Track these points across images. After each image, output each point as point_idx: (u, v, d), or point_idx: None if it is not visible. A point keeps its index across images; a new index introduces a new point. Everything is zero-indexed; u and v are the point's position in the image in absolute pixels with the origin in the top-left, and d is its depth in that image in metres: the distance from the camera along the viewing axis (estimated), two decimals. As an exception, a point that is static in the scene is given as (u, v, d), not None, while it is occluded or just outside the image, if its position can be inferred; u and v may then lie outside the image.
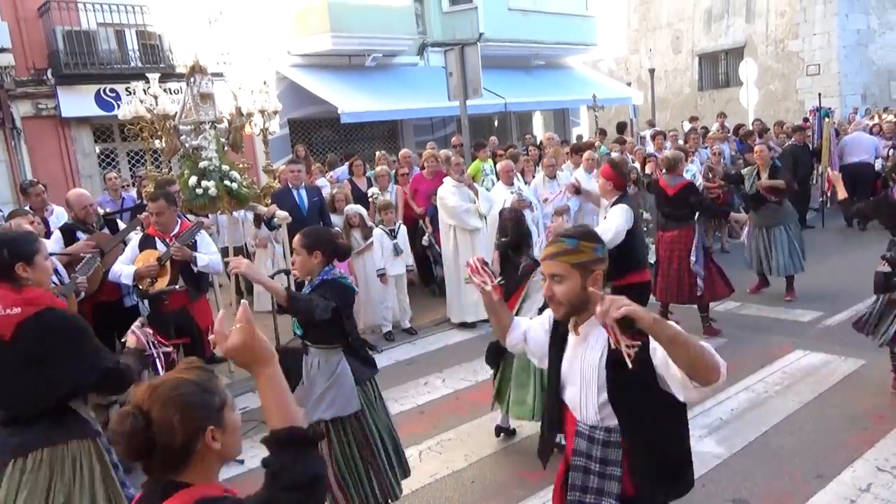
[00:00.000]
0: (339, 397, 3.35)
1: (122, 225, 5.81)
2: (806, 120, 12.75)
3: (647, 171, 9.12)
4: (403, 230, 7.39)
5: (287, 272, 6.14)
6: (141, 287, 4.81)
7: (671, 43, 22.03)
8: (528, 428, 4.57)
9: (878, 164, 10.92)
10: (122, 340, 2.82)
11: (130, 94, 6.53)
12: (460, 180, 7.24)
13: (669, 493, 2.18)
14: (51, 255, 4.82)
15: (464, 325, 7.30)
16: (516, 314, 3.67)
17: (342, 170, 9.59)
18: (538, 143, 11.57)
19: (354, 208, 7.20)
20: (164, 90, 6.48)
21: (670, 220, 6.44)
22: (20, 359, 2.61)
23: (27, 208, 6.28)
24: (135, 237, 5.09)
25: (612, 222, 4.92)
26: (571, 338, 2.19)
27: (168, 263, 4.77)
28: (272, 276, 5.78)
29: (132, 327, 2.76)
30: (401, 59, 15.14)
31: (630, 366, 1.74)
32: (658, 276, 6.44)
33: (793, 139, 11.27)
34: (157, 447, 1.41)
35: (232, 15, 7.04)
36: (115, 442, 1.43)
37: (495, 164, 9.14)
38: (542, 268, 2.14)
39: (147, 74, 6.46)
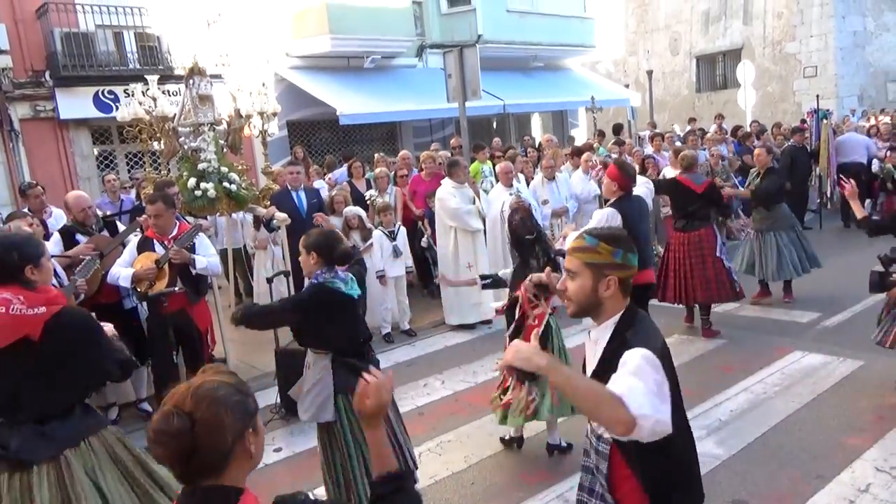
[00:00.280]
0: (315, 403, 3.38)
1: (121, 227, 5.80)
2: (803, 121, 12.78)
3: (648, 172, 9.14)
4: (403, 232, 7.40)
5: (287, 273, 6.16)
6: (139, 289, 4.81)
7: (669, 45, 22.07)
8: (528, 430, 4.57)
9: (874, 165, 10.94)
10: None
11: (129, 95, 6.53)
12: (463, 182, 7.24)
13: None
14: (51, 257, 4.83)
15: (463, 327, 7.30)
16: None
17: (341, 171, 9.60)
18: (537, 144, 11.59)
19: (353, 210, 7.20)
20: (163, 92, 6.48)
21: (695, 219, 6.34)
22: (49, 357, 2.68)
23: (26, 210, 6.27)
24: (133, 239, 5.09)
25: (593, 224, 4.97)
26: (587, 342, 2.19)
27: (166, 266, 4.77)
28: (271, 278, 5.80)
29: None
30: (399, 60, 15.15)
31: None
32: (672, 279, 6.37)
33: (791, 140, 11.30)
34: (199, 449, 1.39)
35: (230, 17, 7.04)
36: (158, 443, 1.40)
37: (494, 165, 9.16)
38: (565, 261, 2.15)
39: (146, 76, 6.46)
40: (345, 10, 13.15)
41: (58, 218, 6.30)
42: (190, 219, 5.79)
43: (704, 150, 10.48)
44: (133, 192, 9.03)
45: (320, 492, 3.57)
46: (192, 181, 5.77)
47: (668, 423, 1.80)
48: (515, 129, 17.91)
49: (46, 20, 11.03)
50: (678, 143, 10.83)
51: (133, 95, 6.55)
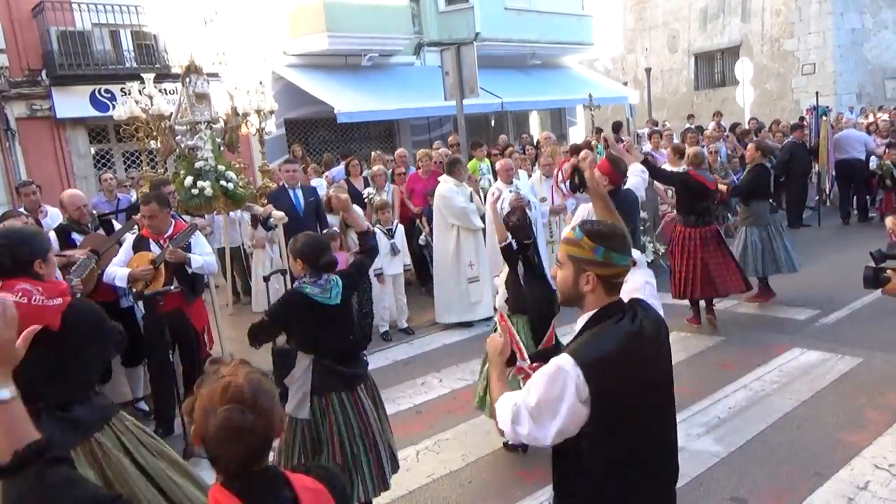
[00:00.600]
0: (294, 399, 3.42)
1: (117, 226, 5.78)
2: (802, 118, 12.79)
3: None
4: (401, 230, 7.38)
5: (284, 272, 6.13)
6: (136, 289, 4.79)
7: (667, 42, 22.06)
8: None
9: (872, 162, 10.94)
10: None
11: (125, 94, 6.51)
12: (463, 180, 7.24)
13: None
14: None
15: (460, 325, 7.29)
16: None
17: (339, 170, 9.58)
18: (535, 142, 11.57)
19: (351, 208, 7.18)
20: (160, 90, 6.47)
21: (706, 215, 6.52)
22: (68, 346, 2.78)
23: (21, 209, 6.25)
24: (129, 238, 5.07)
25: (577, 219, 4.98)
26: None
27: (162, 265, 4.75)
28: (268, 277, 5.78)
29: None
30: (397, 58, 15.13)
31: None
32: (683, 275, 6.42)
33: (791, 137, 11.30)
34: (265, 440, 1.46)
35: (227, 15, 7.04)
36: (235, 441, 1.41)
37: (492, 163, 9.15)
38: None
39: (142, 75, 6.44)
40: (342, 7, 13.12)
41: (53, 217, 6.27)
42: (187, 217, 5.77)
43: (703, 147, 10.47)
44: (133, 192, 9.02)
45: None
46: (188, 180, 5.76)
47: (535, 440, 1.89)
48: (513, 126, 17.90)
49: (42, 19, 11.00)
50: (675, 141, 10.83)
51: (130, 94, 6.53)
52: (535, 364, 3.69)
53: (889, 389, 4.85)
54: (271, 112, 6.52)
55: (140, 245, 4.88)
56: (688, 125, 14.52)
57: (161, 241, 4.85)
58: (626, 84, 21.19)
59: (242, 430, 1.40)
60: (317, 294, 3.31)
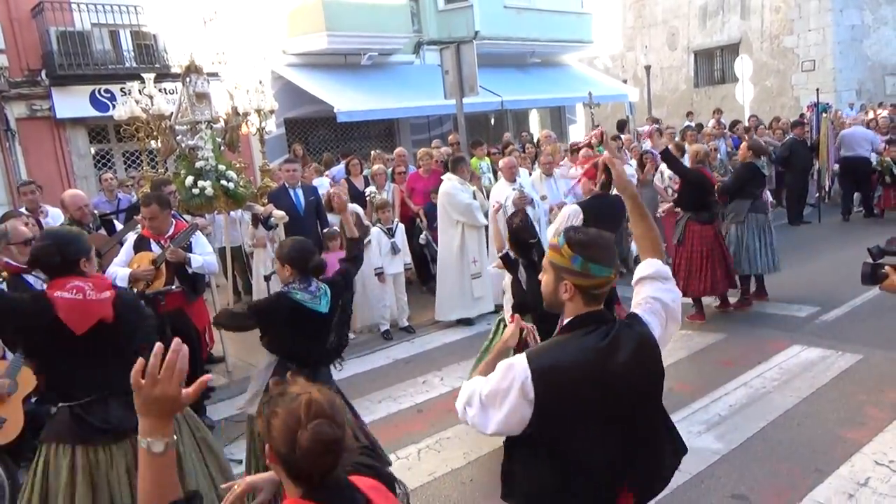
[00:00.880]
0: (249, 393, 3.54)
1: (118, 226, 5.79)
2: (802, 115, 12.79)
3: (647, 168, 9.13)
4: (401, 229, 7.39)
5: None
6: (137, 289, 4.79)
7: (667, 40, 22.04)
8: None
9: (873, 159, 10.95)
10: None
11: (125, 94, 6.51)
12: (467, 178, 7.29)
13: None
14: None
15: (461, 323, 7.31)
16: None
17: (339, 169, 9.58)
18: (535, 140, 11.56)
19: (351, 207, 7.18)
20: (160, 90, 6.47)
21: (713, 211, 6.67)
22: (122, 335, 2.93)
23: (22, 210, 6.26)
24: (130, 238, 5.08)
25: (555, 225, 5.02)
26: None
27: (163, 265, 4.76)
28: (269, 276, 5.79)
29: None
30: (396, 57, 15.12)
31: None
32: (702, 271, 6.49)
33: (791, 134, 11.30)
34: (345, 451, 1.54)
35: (226, 14, 7.03)
36: (330, 452, 1.48)
37: (492, 162, 9.16)
38: None
39: (142, 74, 6.44)
40: (341, 6, 13.12)
41: (55, 217, 6.28)
42: (187, 217, 5.77)
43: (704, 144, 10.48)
44: (133, 193, 9.02)
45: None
46: (189, 179, 5.76)
47: (476, 426, 1.95)
48: (513, 125, 17.89)
49: (42, 19, 10.99)
50: (676, 139, 10.82)
51: (130, 94, 6.54)
52: None
53: (889, 386, 4.86)
54: (272, 111, 6.52)
55: (141, 245, 4.89)
56: (687, 122, 14.52)
57: (162, 241, 4.86)
58: (625, 82, 21.17)
59: (333, 442, 1.48)
60: (307, 301, 3.31)
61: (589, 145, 7.09)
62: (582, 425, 1.89)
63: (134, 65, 11.32)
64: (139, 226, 5.30)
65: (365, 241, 7.01)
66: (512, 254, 4.42)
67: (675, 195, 7.73)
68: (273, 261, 7.26)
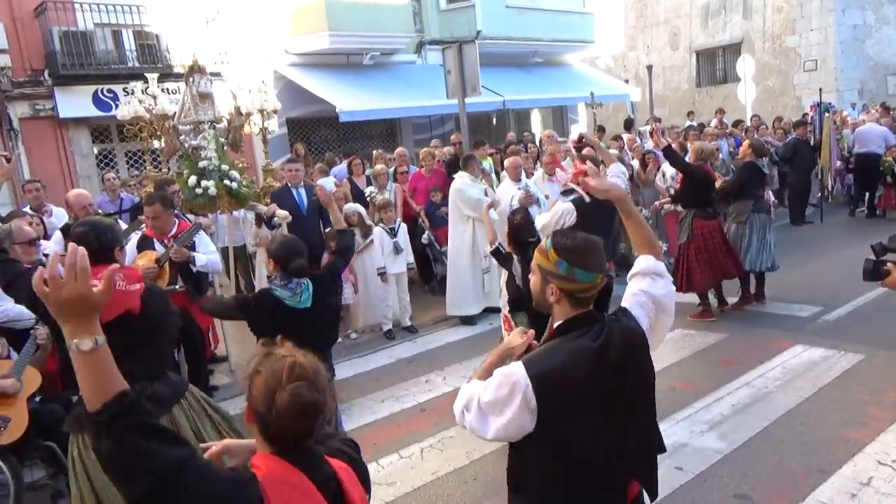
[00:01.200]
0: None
1: (122, 225, 5.80)
2: (806, 115, 12.79)
3: (649, 168, 9.14)
4: (403, 228, 7.40)
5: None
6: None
7: (668, 39, 22.03)
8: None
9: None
10: None
11: (128, 94, 6.53)
12: (477, 176, 7.35)
13: None
14: (16, 260, 4.83)
15: (464, 322, 7.32)
16: None
17: (341, 168, 9.60)
18: (538, 140, 11.57)
19: (353, 207, 7.20)
20: (162, 90, 6.48)
21: (714, 206, 6.81)
22: (147, 328, 2.98)
23: (27, 209, 6.27)
24: (134, 237, 5.09)
25: (546, 216, 5.02)
26: None
27: (167, 264, 4.77)
28: (272, 276, 5.80)
29: None
30: (398, 57, 15.12)
31: None
32: (706, 264, 6.55)
33: (794, 134, 11.30)
34: (324, 413, 1.56)
35: (229, 14, 7.02)
36: (307, 415, 1.50)
37: (494, 162, 9.16)
38: None
39: (146, 74, 6.46)
40: (343, 6, 13.12)
41: (59, 216, 6.29)
42: (191, 217, 5.79)
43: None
44: (136, 193, 9.03)
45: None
46: (192, 179, 5.76)
47: (475, 431, 1.96)
48: (515, 125, 17.89)
49: (45, 19, 11.02)
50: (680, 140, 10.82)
51: (133, 94, 6.55)
52: None
53: (892, 386, 4.86)
54: (274, 111, 6.53)
55: (144, 244, 4.91)
56: (688, 122, 14.51)
57: (165, 241, 4.88)
58: (627, 81, 21.16)
59: (310, 405, 1.50)
60: (286, 298, 3.37)
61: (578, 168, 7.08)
62: (580, 422, 1.91)
63: (136, 65, 11.35)
64: (143, 225, 5.32)
65: (367, 241, 7.02)
66: (503, 249, 4.47)
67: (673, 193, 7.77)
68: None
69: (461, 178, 7.28)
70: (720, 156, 10.13)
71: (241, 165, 6.33)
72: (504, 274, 4.59)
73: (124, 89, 7.02)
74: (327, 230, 6.87)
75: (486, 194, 7.30)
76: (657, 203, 8.51)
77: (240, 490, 1.44)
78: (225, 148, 6.24)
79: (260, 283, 7.58)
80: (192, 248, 4.97)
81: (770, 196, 8.35)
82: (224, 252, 6.75)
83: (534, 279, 2.06)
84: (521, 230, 4.40)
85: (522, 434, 1.89)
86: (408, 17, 14.69)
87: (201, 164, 5.84)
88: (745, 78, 15.47)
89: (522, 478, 2.03)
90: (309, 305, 3.39)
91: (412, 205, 8.30)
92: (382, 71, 14.62)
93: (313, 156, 12.22)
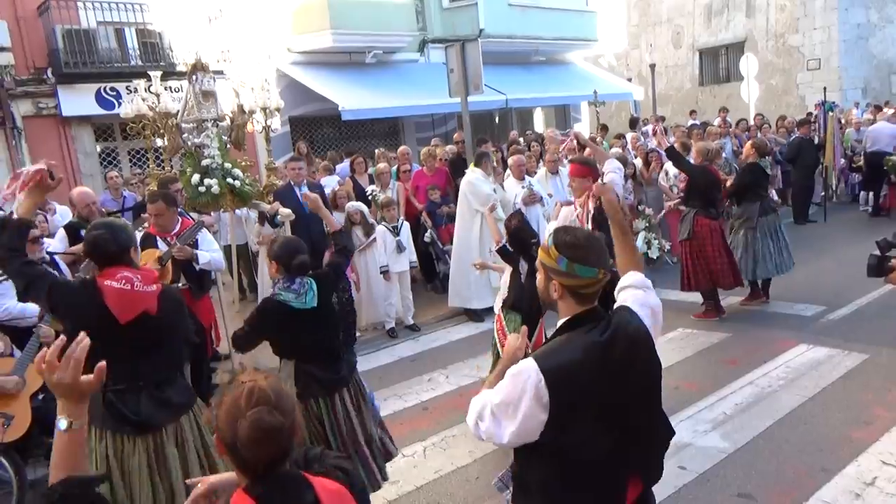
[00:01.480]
0: None
1: (126, 223, 5.80)
2: (810, 114, 12.76)
3: (652, 166, 9.13)
4: (406, 227, 7.40)
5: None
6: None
7: (671, 38, 21.99)
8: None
9: None
10: None
11: (131, 92, 6.53)
12: (489, 174, 7.38)
13: None
14: (55, 254, 4.84)
15: (468, 321, 7.31)
16: None
17: (343, 167, 9.59)
18: (541, 138, 11.55)
19: (355, 205, 7.20)
20: (165, 88, 6.48)
21: (719, 207, 6.78)
22: (162, 329, 2.99)
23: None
24: (137, 235, 5.08)
25: (554, 224, 5.03)
26: None
27: (169, 262, 4.77)
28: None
29: None
30: (401, 55, 15.11)
31: None
32: (715, 266, 6.50)
33: (798, 132, 11.28)
34: (291, 440, 1.52)
35: (231, 12, 7.01)
36: (268, 440, 1.46)
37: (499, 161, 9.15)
38: None
39: (149, 72, 6.45)
40: (346, 5, 13.11)
41: (63, 214, 6.31)
42: (194, 215, 5.78)
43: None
44: (137, 192, 9.03)
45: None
46: (195, 177, 5.76)
47: (492, 438, 1.93)
48: (517, 123, 17.87)
49: (48, 17, 11.02)
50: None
51: (136, 92, 6.55)
52: None
53: (896, 385, 4.85)
54: (277, 109, 6.52)
55: (147, 242, 4.89)
56: (691, 121, 14.48)
57: (168, 239, 4.87)
58: (630, 80, 21.13)
59: (273, 430, 1.45)
60: (292, 300, 3.32)
61: (594, 141, 7.07)
62: (586, 418, 1.90)
63: (139, 63, 11.35)
64: (145, 223, 5.32)
65: (370, 240, 7.02)
66: (510, 248, 4.49)
67: (681, 195, 7.73)
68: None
69: (474, 174, 7.32)
70: (723, 155, 10.11)
71: (243, 164, 6.33)
72: (507, 272, 4.59)
73: (127, 87, 7.04)
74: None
75: (495, 192, 7.32)
76: (670, 204, 8.49)
77: None
78: (228, 146, 6.24)
79: (262, 281, 7.59)
80: (195, 246, 4.96)
81: (773, 195, 8.33)
82: (227, 250, 6.76)
83: (539, 276, 2.08)
84: (519, 232, 4.43)
85: (539, 432, 1.86)
86: (410, 15, 14.68)
87: (204, 162, 5.84)
88: (748, 77, 15.44)
89: (526, 477, 2.02)
90: (315, 305, 3.37)
91: (415, 203, 8.30)
92: (385, 69, 14.61)
93: (316, 154, 12.21)
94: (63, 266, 4.79)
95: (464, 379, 5.73)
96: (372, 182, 8.38)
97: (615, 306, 2.11)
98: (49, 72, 11.24)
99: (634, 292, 2.14)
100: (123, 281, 2.84)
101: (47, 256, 4.65)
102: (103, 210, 6.01)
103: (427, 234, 8.10)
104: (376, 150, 9.82)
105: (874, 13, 18.65)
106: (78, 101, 11.32)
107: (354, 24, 13.28)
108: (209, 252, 5.05)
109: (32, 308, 4.43)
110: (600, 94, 15.17)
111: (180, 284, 4.80)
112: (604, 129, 13.35)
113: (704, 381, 5.25)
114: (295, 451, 1.59)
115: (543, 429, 1.86)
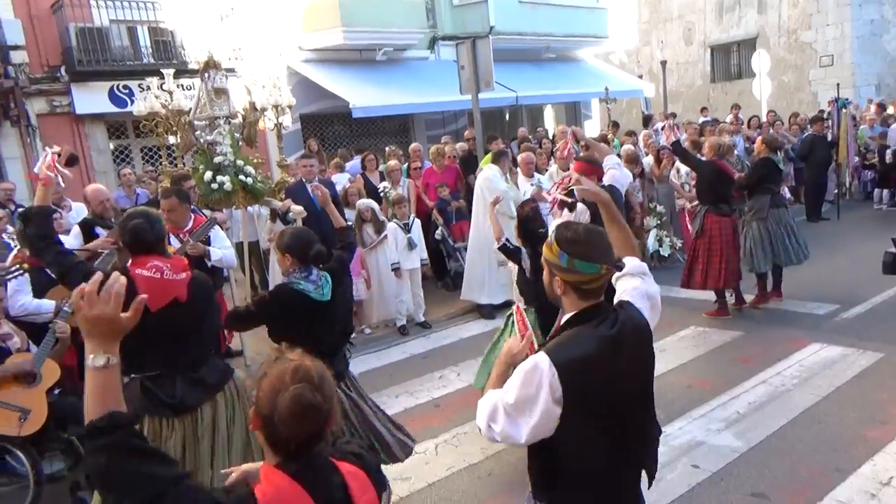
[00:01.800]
0: None
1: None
2: (822, 111, 12.66)
3: (664, 163, 9.09)
4: (417, 224, 7.41)
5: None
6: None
7: (683, 35, 21.86)
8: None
9: (888, 155, 10.83)
10: None
11: (144, 90, 6.57)
12: (506, 172, 7.38)
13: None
14: (70, 250, 4.87)
15: (480, 318, 7.32)
16: None
17: (354, 164, 9.61)
18: (551, 136, 11.53)
19: (366, 203, 7.21)
20: (177, 86, 6.51)
21: (731, 204, 6.69)
22: (195, 314, 3.08)
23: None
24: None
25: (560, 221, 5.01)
26: None
27: (182, 259, 4.80)
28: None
29: None
30: (412, 53, 15.10)
31: None
32: (721, 264, 6.46)
33: (811, 129, 11.20)
34: (329, 420, 1.55)
35: (243, 11, 7.05)
36: (306, 418, 1.48)
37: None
38: None
39: (162, 70, 6.49)
40: (356, 2, 13.11)
41: (78, 211, 6.35)
42: (206, 212, 5.82)
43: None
44: (148, 190, 9.09)
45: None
46: (208, 174, 5.80)
47: (508, 438, 1.91)
48: (528, 120, 17.83)
49: (61, 15, 11.10)
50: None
51: (149, 89, 6.58)
52: None
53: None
54: (289, 107, 6.54)
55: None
56: (702, 119, 14.40)
57: (181, 235, 4.90)
58: (641, 77, 21.01)
59: (312, 407, 1.49)
60: (311, 291, 3.29)
61: (605, 140, 7.05)
62: (593, 414, 1.91)
63: (151, 61, 11.39)
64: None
65: (381, 237, 7.03)
66: (510, 244, 4.47)
67: (693, 191, 7.71)
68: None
69: (491, 170, 7.32)
70: (735, 151, 10.05)
71: (255, 161, 6.35)
72: (516, 268, 4.58)
73: (140, 85, 7.08)
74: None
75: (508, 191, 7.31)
76: (685, 204, 8.45)
77: None
78: (240, 143, 6.26)
79: (274, 278, 7.62)
80: (208, 242, 4.99)
81: (785, 192, 8.27)
82: (239, 247, 6.79)
83: (545, 272, 2.09)
84: (529, 221, 4.38)
85: (555, 427, 1.86)
86: (421, 12, 14.67)
87: (217, 159, 5.87)
88: (760, 73, 15.32)
89: (542, 474, 2.02)
90: (329, 298, 3.38)
91: (426, 200, 8.30)
92: (395, 67, 14.61)
93: (327, 152, 12.24)
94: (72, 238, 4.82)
95: (475, 376, 5.72)
96: (383, 179, 8.39)
97: (615, 299, 2.11)
98: (63, 70, 11.31)
99: (632, 281, 2.14)
100: (153, 269, 2.92)
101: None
102: (117, 207, 6.04)
103: (438, 232, 8.11)
104: (387, 148, 9.82)
105: (888, 9, 18.46)
106: (91, 98, 11.39)
107: (365, 22, 13.28)
108: (221, 249, 5.08)
109: (48, 304, 4.48)
110: (611, 92, 15.15)
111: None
112: (615, 126, 13.30)
113: (717, 379, 5.23)
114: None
115: (558, 424, 1.86)
